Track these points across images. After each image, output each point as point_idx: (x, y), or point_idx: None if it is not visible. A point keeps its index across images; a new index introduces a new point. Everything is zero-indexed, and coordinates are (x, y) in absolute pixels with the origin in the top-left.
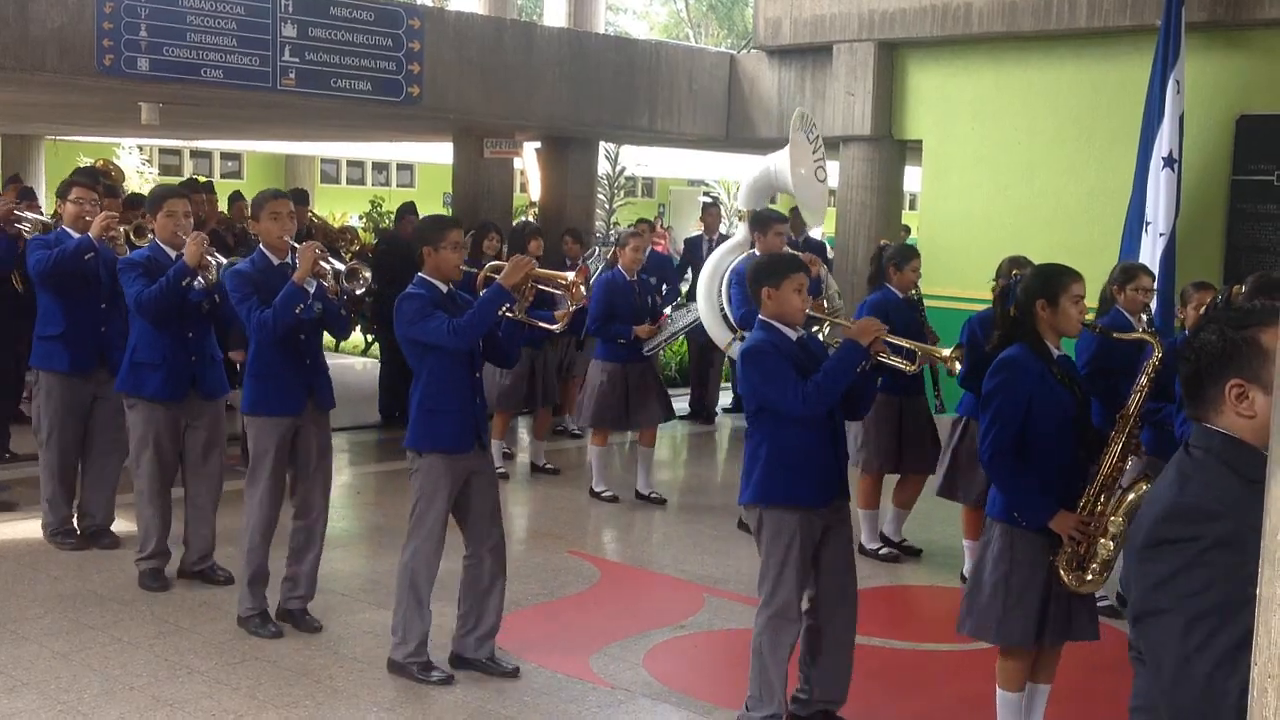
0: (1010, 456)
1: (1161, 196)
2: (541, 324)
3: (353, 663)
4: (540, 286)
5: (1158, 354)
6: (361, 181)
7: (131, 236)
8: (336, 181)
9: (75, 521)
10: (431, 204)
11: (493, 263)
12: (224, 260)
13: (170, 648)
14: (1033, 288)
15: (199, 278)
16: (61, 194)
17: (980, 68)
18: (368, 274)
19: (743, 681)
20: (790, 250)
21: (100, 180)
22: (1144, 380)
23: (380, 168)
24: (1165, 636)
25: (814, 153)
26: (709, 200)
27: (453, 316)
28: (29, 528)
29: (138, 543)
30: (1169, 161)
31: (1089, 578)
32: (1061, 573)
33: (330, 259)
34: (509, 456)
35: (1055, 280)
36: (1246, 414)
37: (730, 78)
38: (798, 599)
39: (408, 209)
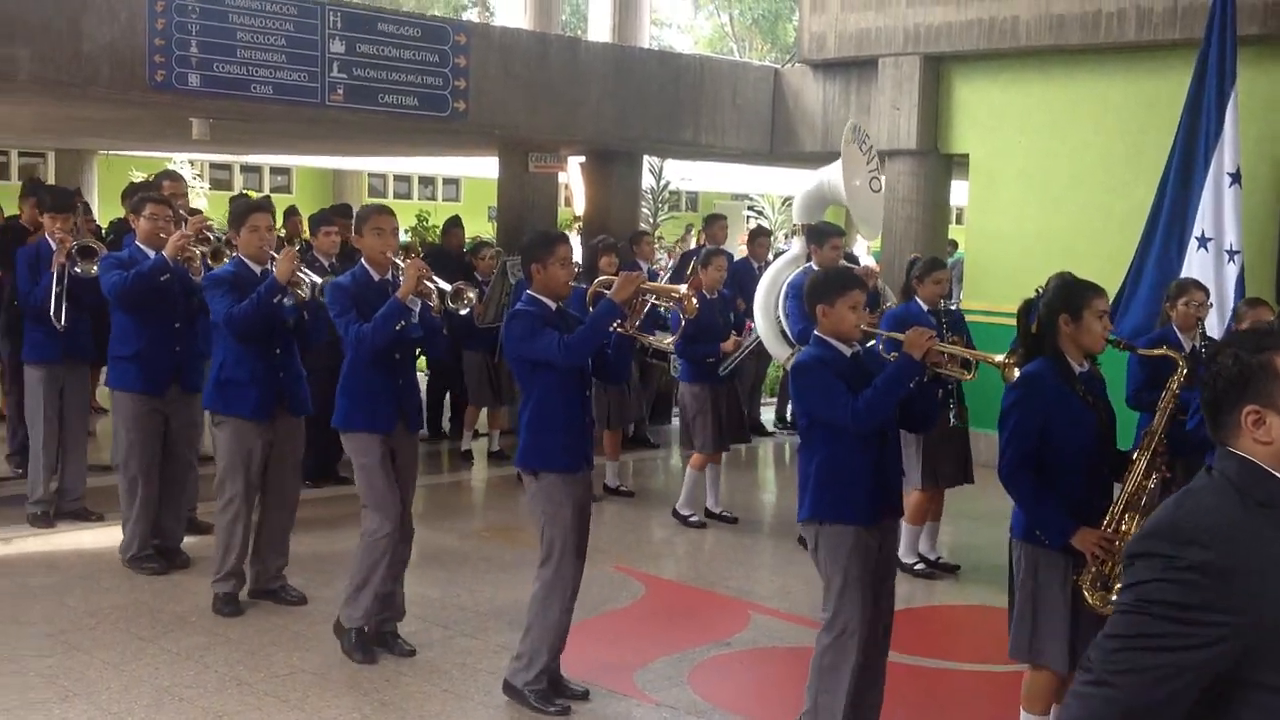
0: (1029, 473)
1: (1230, 213)
2: (653, 340)
3: (398, 676)
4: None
5: (1181, 372)
6: (408, 196)
7: (209, 259)
8: (383, 195)
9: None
10: (477, 218)
11: (601, 278)
12: (317, 279)
13: (220, 659)
14: (1055, 302)
15: (289, 294)
16: (135, 210)
17: (1028, 81)
18: (472, 294)
19: (790, 700)
20: (847, 265)
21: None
22: (1167, 397)
23: (426, 182)
24: (1113, 633)
25: (868, 164)
26: (715, 215)
27: (563, 333)
28: (82, 538)
29: (214, 562)
30: (1236, 178)
31: (1114, 597)
32: (1085, 592)
33: (435, 278)
34: None
35: (1078, 295)
36: (1263, 440)
37: (774, 92)
38: (861, 618)
39: (454, 222)
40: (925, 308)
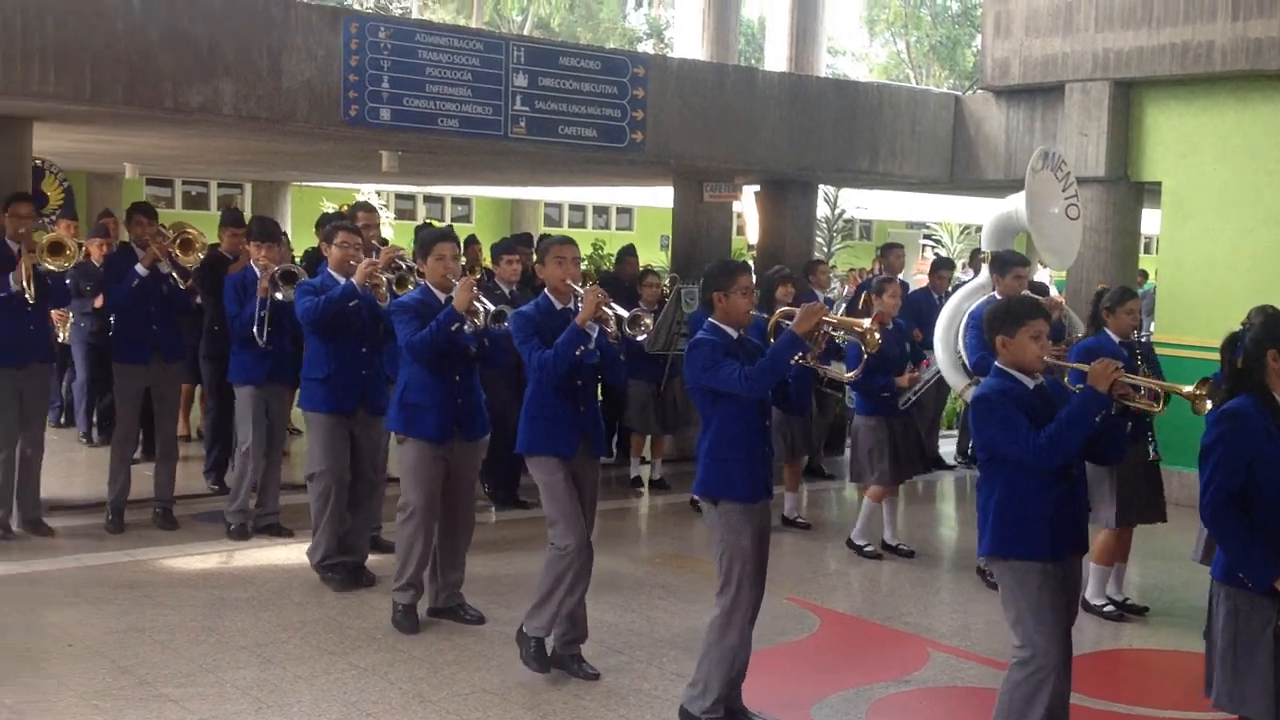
0: (1232, 513)
1: None
2: (829, 370)
3: (577, 699)
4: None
5: None
6: (582, 225)
7: (394, 286)
8: (559, 225)
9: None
10: (649, 246)
11: (783, 308)
12: (492, 307)
13: (403, 676)
14: (1262, 337)
15: (468, 322)
16: (327, 239)
17: (1223, 107)
18: (649, 320)
19: None
20: (1031, 294)
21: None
22: None
23: (601, 211)
24: None
25: (1064, 191)
26: (891, 244)
27: (744, 363)
28: (275, 554)
29: (395, 572)
30: None
31: None
32: None
33: (613, 305)
34: None
35: None
36: None
37: (955, 119)
38: (1055, 653)
39: (629, 251)
40: (1116, 339)
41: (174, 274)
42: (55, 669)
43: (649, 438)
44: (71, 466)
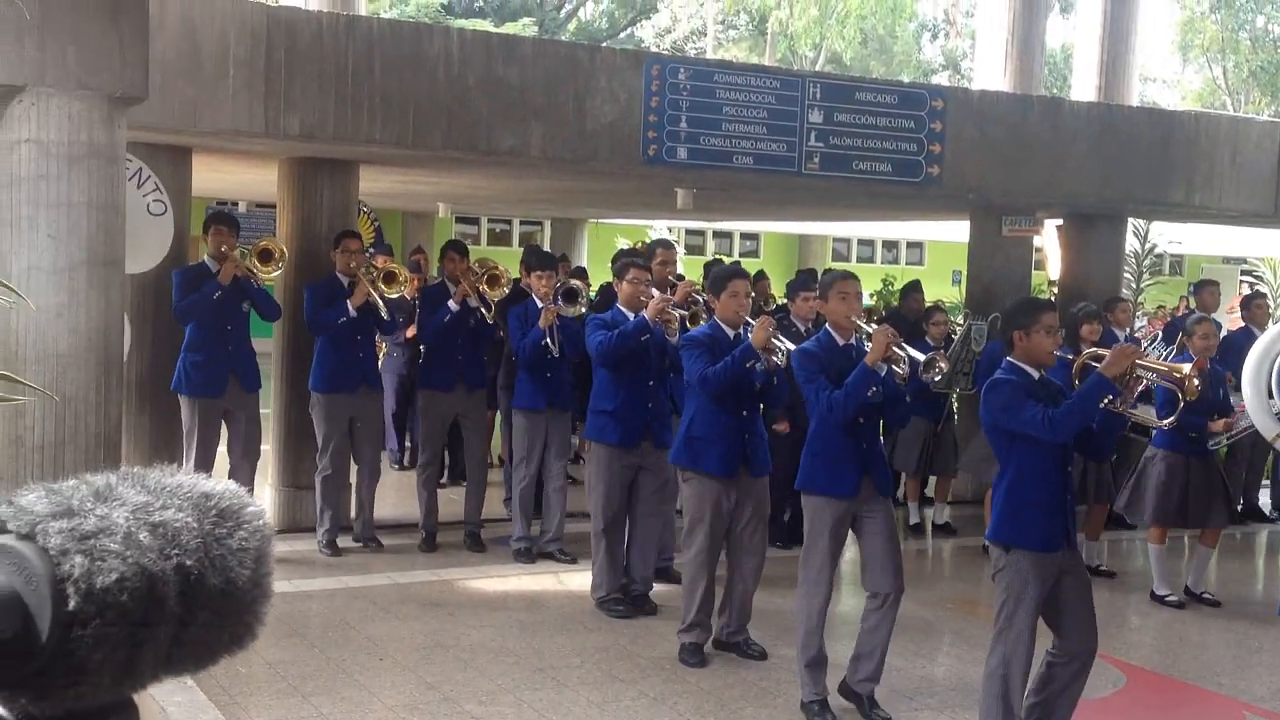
0: None
1: None
2: (1137, 414)
3: None
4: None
5: None
6: (871, 260)
7: (687, 323)
8: (847, 260)
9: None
10: (940, 282)
11: (1090, 349)
12: (790, 346)
13: (691, 708)
14: None
15: (761, 360)
16: (618, 274)
17: None
18: (944, 364)
19: None
20: None
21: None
22: None
23: (890, 246)
24: None
25: None
26: (1205, 280)
27: (1045, 404)
28: (563, 580)
29: (680, 612)
30: None
31: None
32: None
33: (904, 345)
34: None
35: None
36: None
37: None
38: None
39: (913, 287)
40: None
41: (481, 309)
42: (368, 681)
43: (932, 480)
44: (381, 489)
